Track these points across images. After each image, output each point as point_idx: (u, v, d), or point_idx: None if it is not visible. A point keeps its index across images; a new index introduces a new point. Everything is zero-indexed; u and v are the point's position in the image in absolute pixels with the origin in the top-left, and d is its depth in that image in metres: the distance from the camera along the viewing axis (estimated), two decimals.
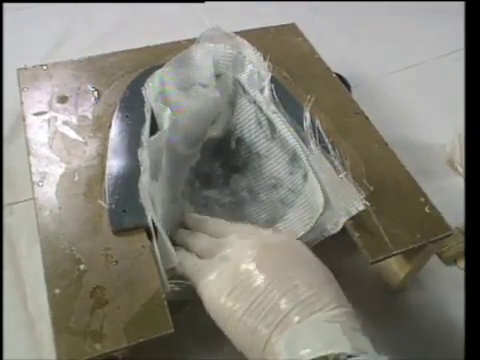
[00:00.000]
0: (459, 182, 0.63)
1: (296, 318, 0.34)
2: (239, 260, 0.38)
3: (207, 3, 0.85)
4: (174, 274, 0.41)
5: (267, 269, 0.36)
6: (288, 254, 0.38)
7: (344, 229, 0.45)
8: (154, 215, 0.41)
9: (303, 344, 0.32)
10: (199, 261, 0.41)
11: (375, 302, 0.52)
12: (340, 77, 0.63)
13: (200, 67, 0.51)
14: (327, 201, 0.45)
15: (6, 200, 0.56)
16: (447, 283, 0.55)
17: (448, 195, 0.59)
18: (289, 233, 0.45)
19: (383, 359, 0.33)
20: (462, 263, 0.56)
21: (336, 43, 0.80)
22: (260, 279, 0.36)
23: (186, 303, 0.45)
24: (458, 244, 0.55)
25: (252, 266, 0.37)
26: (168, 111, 0.48)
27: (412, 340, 0.50)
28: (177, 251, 0.41)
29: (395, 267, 0.51)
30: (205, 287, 0.38)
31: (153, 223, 0.41)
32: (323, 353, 0.31)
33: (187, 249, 0.43)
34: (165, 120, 0.48)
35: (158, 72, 0.51)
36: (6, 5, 0.75)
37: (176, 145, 0.49)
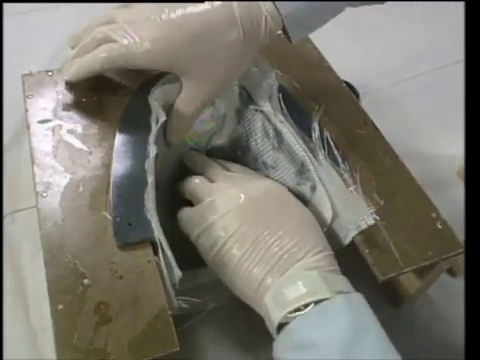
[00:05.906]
0: None
1: (283, 266, 0.38)
2: (227, 213, 0.41)
3: None
4: (182, 290, 0.40)
5: (254, 222, 0.40)
6: (272, 204, 0.42)
7: (353, 243, 0.44)
8: (160, 229, 0.41)
9: (287, 296, 0.36)
10: (191, 210, 0.44)
11: (383, 315, 0.51)
12: (349, 85, 0.62)
13: None
14: (335, 214, 0.44)
15: (8, 208, 0.55)
16: (455, 296, 0.54)
17: (458, 207, 0.58)
18: (272, 181, 0.47)
19: (357, 296, 0.37)
20: None
21: (344, 48, 0.79)
22: (250, 232, 0.39)
23: (188, 317, 0.44)
24: None
25: (241, 220, 0.40)
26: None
27: (421, 353, 0.50)
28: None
29: (405, 282, 0.50)
30: (198, 238, 0.42)
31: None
32: (306, 301, 0.35)
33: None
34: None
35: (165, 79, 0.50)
36: (9, 9, 0.75)
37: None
